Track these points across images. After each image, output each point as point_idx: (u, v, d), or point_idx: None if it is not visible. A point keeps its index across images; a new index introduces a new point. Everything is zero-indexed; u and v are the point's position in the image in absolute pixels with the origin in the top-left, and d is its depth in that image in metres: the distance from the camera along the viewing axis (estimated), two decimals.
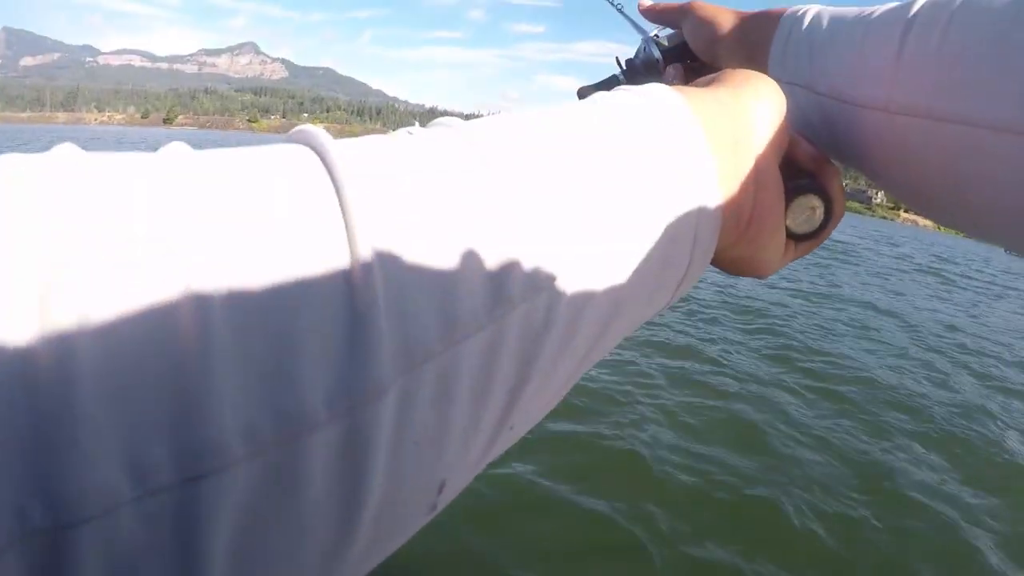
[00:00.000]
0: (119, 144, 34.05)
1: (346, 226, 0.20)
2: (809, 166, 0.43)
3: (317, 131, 0.23)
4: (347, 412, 0.19)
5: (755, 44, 0.57)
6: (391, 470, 0.21)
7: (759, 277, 0.41)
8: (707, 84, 0.38)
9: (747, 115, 0.35)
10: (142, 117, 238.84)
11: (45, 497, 0.14)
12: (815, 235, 0.42)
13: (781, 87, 0.41)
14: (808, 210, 0.41)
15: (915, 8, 0.40)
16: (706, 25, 0.63)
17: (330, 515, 0.19)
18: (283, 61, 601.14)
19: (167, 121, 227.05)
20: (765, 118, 0.36)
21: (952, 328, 7.14)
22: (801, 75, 0.50)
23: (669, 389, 4.22)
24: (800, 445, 3.55)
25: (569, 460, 2.99)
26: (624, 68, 0.74)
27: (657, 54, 0.70)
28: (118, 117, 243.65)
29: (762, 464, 3.28)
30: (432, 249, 0.22)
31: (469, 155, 0.25)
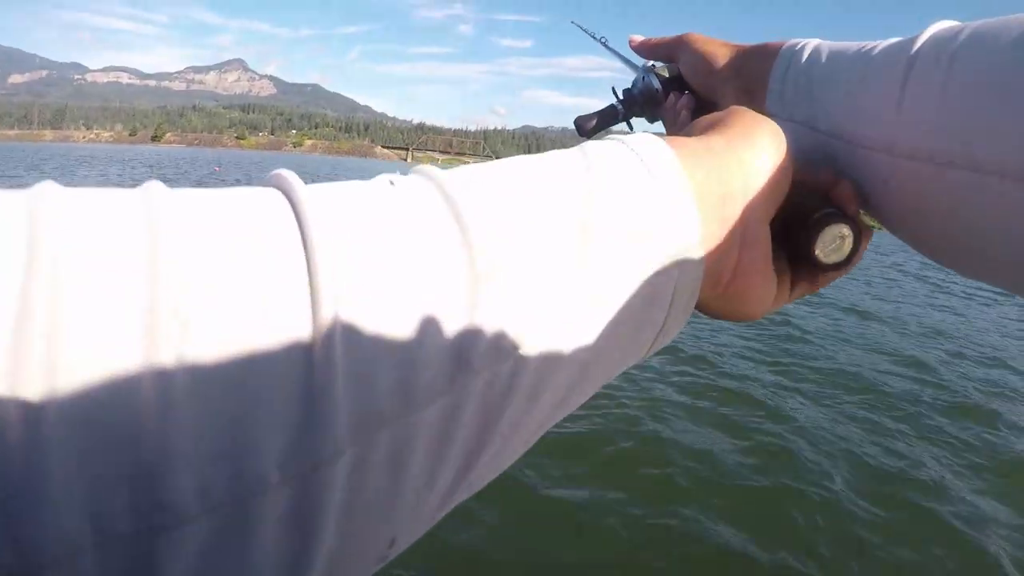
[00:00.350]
0: (109, 162, 33.74)
1: (311, 294, 0.20)
2: (833, 195, 0.42)
3: (293, 179, 0.23)
4: (299, 476, 0.19)
5: (753, 77, 0.57)
6: (341, 530, 0.21)
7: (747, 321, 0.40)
8: (706, 127, 0.38)
9: (741, 170, 0.34)
10: (130, 135, 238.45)
11: (14, 541, 0.15)
12: (845, 264, 0.41)
13: (780, 123, 0.40)
14: (838, 239, 0.40)
15: (917, 45, 0.38)
16: (702, 59, 0.62)
17: (280, 570, 0.20)
18: (271, 78, 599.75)
19: (155, 139, 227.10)
20: (760, 172, 0.35)
21: (940, 333, 7.24)
22: (801, 111, 0.49)
23: (663, 389, 4.41)
24: (799, 445, 3.68)
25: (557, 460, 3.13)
26: (622, 99, 0.73)
27: (657, 84, 0.69)
28: (106, 135, 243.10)
29: (758, 462, 3.43)
30: (396, 317, 0.22)
31: (444, 217, 0.24)
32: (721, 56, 0.61)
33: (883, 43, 0.43)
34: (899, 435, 4.03)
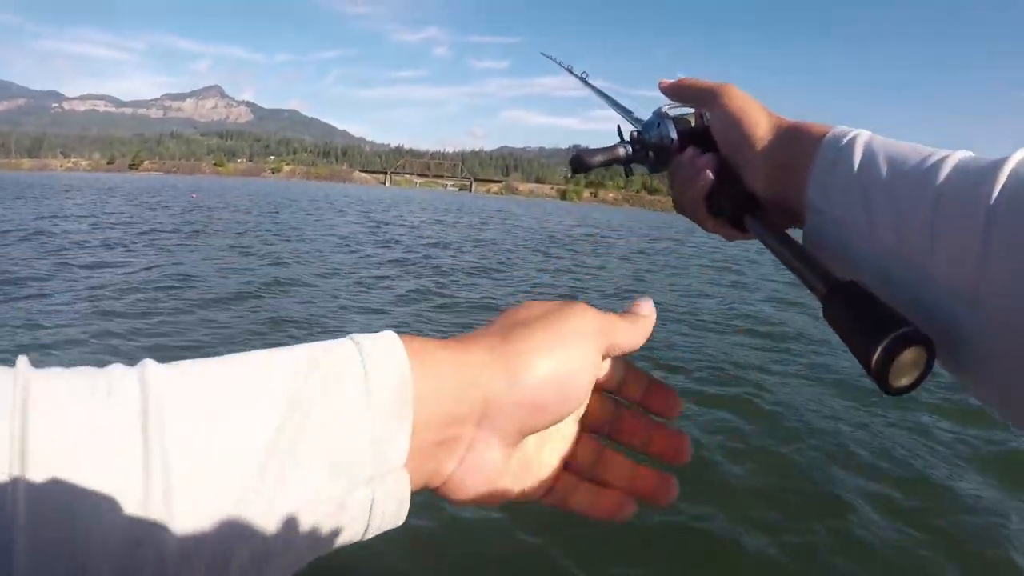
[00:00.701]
0: (88, 191, 34.54)
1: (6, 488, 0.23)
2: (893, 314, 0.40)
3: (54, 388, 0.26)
4: None
5: (791, 156, 0.55)
6: None
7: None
8: (516, 323, 0.39)
9: (483, 394, 0.35)
10: (108, 163, 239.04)
11: None
12: (919, 382, 0.39)
13: (824, 219, 0.44)
14: (909, 366, 0.38)
15: (994, 195, 0.38)
16: (740, 120, 0.59)
17: None
18: (248, 104, 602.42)
19: (133, 167, 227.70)
20: (517, 397, 0.36)
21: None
22: (853, 217, 0.48)
23: None
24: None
25: None
26: (628, 140, 0.70)
27: (673, 135, 0.66)
28: (84, 163, 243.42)
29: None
30: (75, 527, 0.24)
31: (135, 438, 0.26)
32: (761, 123, 0.58)
33: (948, 162, 0.42)
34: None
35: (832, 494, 3.53)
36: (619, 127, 0.72)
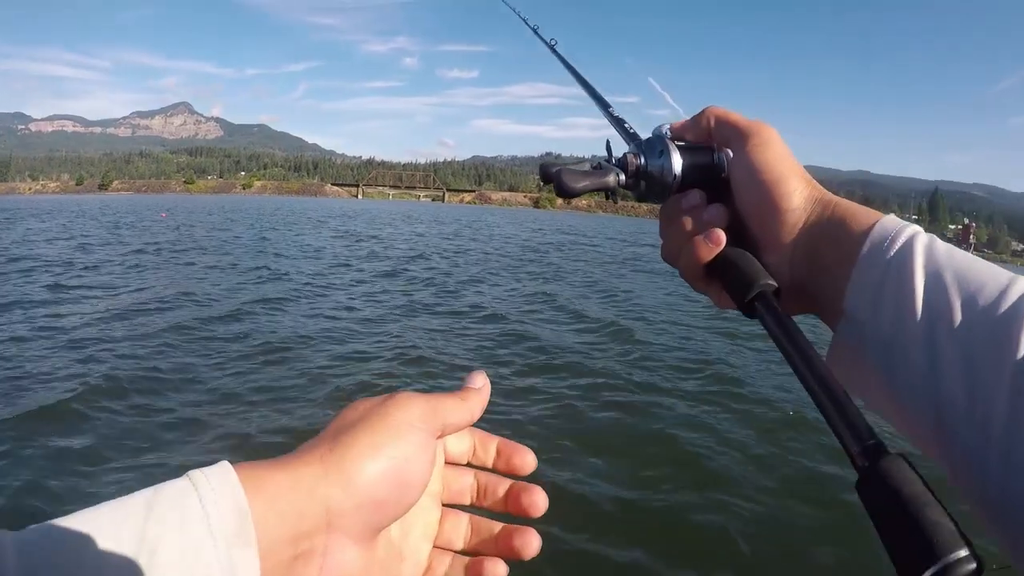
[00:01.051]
0: (57, 214, 34.36)
1: None
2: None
3: None
4: None
5: (829, 246, 0.49)
6: None
7: None
8: (343, 427, 0.40)
9: (325, 506, 0.36)
10: (77, 184, 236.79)
11: None
12: None
13: (864, 332, 0.41)
14: None
15: None
16: (769, 179, 0.51)
17: None
18: (217, 120, 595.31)
19: (103, 187, 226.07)
20: (355, 501, 0.37)
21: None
22: (910, 351, 0.43)
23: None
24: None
25: None
26: (622, 165, 0.58)
27: (676, 170, 0.56)
28: (52, 185, 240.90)
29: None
30: None
31: None
32: (797, 191, 0.51)
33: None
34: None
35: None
36: (608, 144, 0.63)
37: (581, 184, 0.56)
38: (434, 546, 0.47)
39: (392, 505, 0.39)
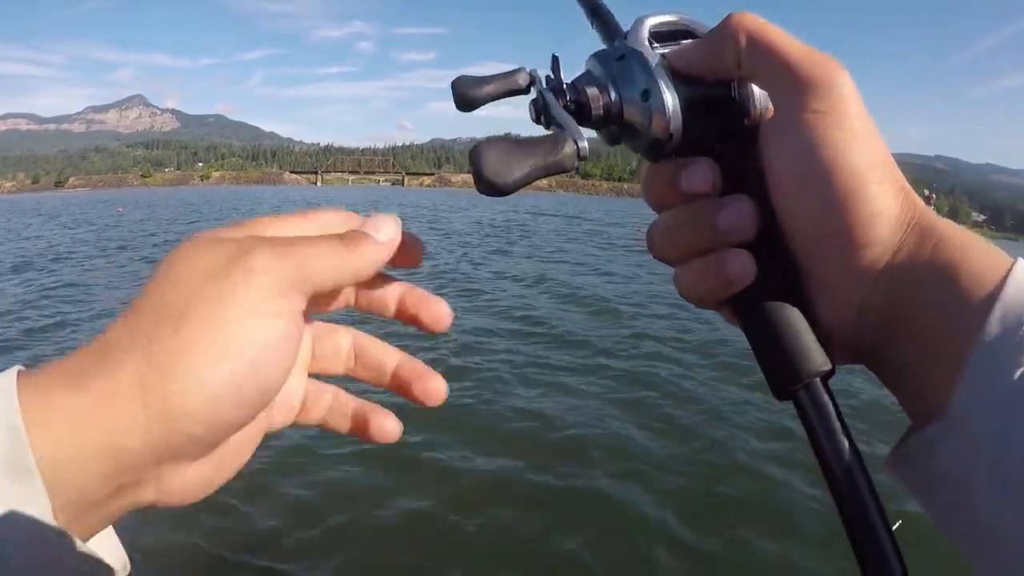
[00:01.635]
0: (9, 214, 33.03)
1: None
2: None
3: None
4: None
5: (930, 304, 0.30)
6: None
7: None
8: (157, 319, 0.27)
9: (155, 432, 0.26)
10: (32, 183, 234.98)
11: None
12: None
13: (979, 452, 0.27)
14: None
15: None
16: (839, 176, 0.30)
17: None
18: (173, 112, 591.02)
19: (59, 184, 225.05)
20: (201, 418, 0.27)
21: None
22: None
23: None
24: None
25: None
26: (572, 101, 0.36)
27: (676, 122, 0.34)
28: (7, 185, 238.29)
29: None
30: None
31: None
32: (885, 204, 0.31)
33: None
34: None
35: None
36: (556, 61, 0.38)
37: (514, 177, 0.32)
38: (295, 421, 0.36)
39: (238, 421, 0.29)
